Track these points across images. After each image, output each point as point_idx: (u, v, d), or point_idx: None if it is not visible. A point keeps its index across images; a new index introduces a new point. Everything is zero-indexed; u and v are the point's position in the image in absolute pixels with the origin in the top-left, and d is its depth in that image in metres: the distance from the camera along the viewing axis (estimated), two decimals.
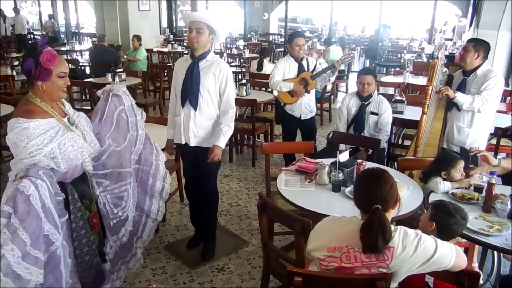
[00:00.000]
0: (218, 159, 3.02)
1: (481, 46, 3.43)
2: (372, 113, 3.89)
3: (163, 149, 3.31)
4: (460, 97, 3.42)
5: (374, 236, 1.65)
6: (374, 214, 1.69)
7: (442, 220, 2.07)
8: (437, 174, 2.77)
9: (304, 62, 4.43)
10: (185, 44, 11.87)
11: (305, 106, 4.48)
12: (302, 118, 4.52)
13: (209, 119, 3.03)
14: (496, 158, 2.78)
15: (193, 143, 3.04)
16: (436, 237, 1.92)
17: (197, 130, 3.02)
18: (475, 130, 3.55)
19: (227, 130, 3.00)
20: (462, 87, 3.55)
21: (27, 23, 14.33)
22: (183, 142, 3.08)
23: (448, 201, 2.20)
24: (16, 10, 13.74)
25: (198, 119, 3.00)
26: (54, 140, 1.97)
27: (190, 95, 2.95)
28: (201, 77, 2.94)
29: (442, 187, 2.68)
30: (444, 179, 2.73)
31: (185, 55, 3.13)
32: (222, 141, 2.99)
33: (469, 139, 3.56)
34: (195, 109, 2.97)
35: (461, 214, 2.09)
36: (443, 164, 2.81)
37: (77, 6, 18.08)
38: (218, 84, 2.97)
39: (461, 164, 2.79)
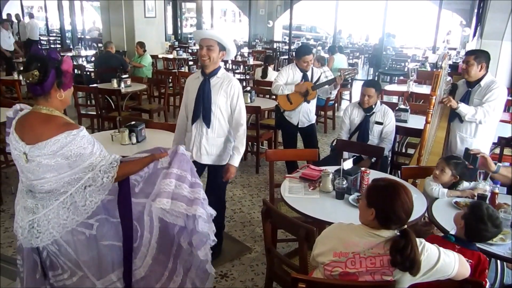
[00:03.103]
0: (233, 177, 3.14)
1: (482, 57, 3.46)
2: (377, 122, 3.91)
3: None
4: (463, 108, 3.44)
5: (414, 256, 1.65)
6: (407, 237, 1.68)
7: (472, 223, 2.07)
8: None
9: (308, 73, 4.47)
10: (189, 51, 11.97)
11: (303, 115, 4.53)
12: (299, 126, 4.57)
13: (221, 136, 3.07)
14: (496, 165, 2.80)
15: (205, 161, 3.08)
16: (463, 236, 1.99)
17: (210, 148, 3.06)
18: (478, 140, 3.58)
19: (241, 148, 3.07)
20: (466, 98, 3.57)
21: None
22: (192, 160, 3.08)
23: (487, 205, 2.16)
24: (30, 14, 13.90)
25: (210, 137, 3.03)
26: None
27: (203, 112, 2.98)
28: (213, 94, 2.97)
29: (436, 193, 2.78)
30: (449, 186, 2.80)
31: (196, 72, 3.17)
32: (237, 160, 3.07)
33: (475, 147, 3.56)
34: (208, 126, 3.00)
35: (494, 223, 2.06)
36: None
37: (83, 11, 18.26)
38: (229, 101, 3.01)
39: (441, 164, 2.88)
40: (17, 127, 1.94)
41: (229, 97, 2.99)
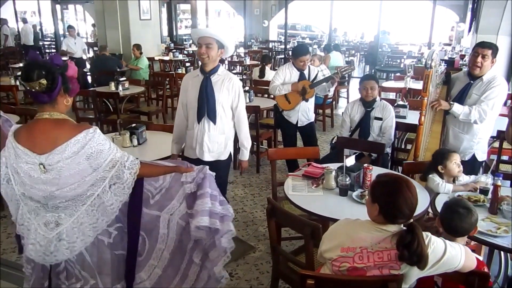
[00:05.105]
0: (246, 168, 3.39)
1: (497, 52, 3.28)
2: (377, 118, 3.92)
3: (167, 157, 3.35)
4: (457, 108, 3.30)
5: (421, 250, 1.66)
6: (413, 231, 1.68)
7: (442, 215, 2.13)
8: (433, 171, 2.86)
9: (305, 71, 4.48)
10: (185, 52, 11.96)
11: (302, 114, 4.54)
12: (298, 125, 4.59)
13: (222, 133, 3.10)
14: None
15: (207, 158, 3.08)
16: (444, 231, 2.02)
17: (212, 145, 3.08)
18: (474, 135, 3.46)
19: (248, 143, 3.23)
20: (466, 91, 3.42)
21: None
22: (195, 157, 3.11)
23: (459, 198, 2.24)
24: (23, 19, 13.87)
25: (212, 134, 3.06)
26: None
27: (208, 110, 3.00)
28: (215, 91, 3.00)
29: (442, 188, 2.76)
30: (442, 175, 2.85)
31: (193, 70, 3.20)
32: (246, 155, 3.28)
33: (466, 143, 3.49)
34: (215, 123, 3.04)
35: (463, 205, 2.08)
36: (438, 158, 2.90)
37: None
38: (231, 98, 3.05)
39: (455, 156, 2.86)
40: (22, 140, 1.82)
41: (231, 93, 3.04)
